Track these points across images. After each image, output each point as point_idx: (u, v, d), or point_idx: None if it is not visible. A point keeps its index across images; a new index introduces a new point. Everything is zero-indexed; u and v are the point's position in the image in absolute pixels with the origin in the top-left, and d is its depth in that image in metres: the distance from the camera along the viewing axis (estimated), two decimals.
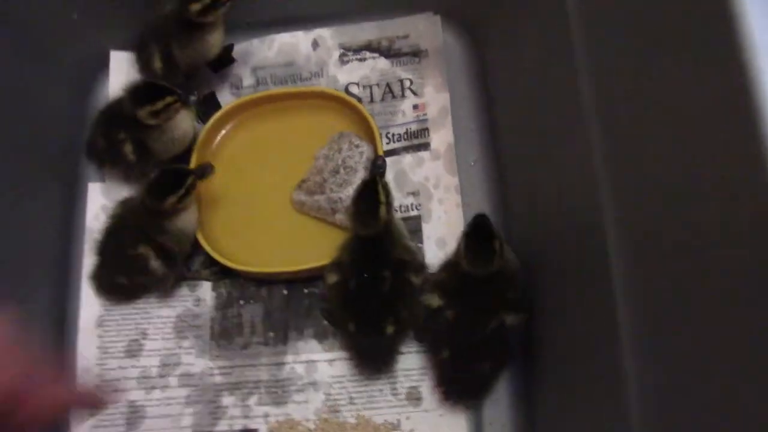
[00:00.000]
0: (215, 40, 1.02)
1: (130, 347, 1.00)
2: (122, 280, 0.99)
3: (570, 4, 0.70)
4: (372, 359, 0.95)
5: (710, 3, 0.48)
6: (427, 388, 0.94)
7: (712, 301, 0.52)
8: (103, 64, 1.12)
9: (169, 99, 0.95)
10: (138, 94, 0.95)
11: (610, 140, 0.66)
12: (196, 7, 0.96)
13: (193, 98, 1.08)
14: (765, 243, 0.45)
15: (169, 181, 0.91)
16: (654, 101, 0.58)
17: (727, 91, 0.47)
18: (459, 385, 0.93)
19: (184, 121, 0.99)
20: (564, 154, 0.80)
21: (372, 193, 0.86)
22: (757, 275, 0.46)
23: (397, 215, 1.01)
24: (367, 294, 0.88)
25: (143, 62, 1.04)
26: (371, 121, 1.00)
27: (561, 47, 0.75)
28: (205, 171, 0.93)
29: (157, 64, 1.01)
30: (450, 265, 0.89)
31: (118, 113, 0.98)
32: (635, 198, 0.63)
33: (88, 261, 1.03)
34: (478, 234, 0.84)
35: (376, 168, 0.89)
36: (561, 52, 0.76)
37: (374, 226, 0.87)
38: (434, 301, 0.88)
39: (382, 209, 0.86)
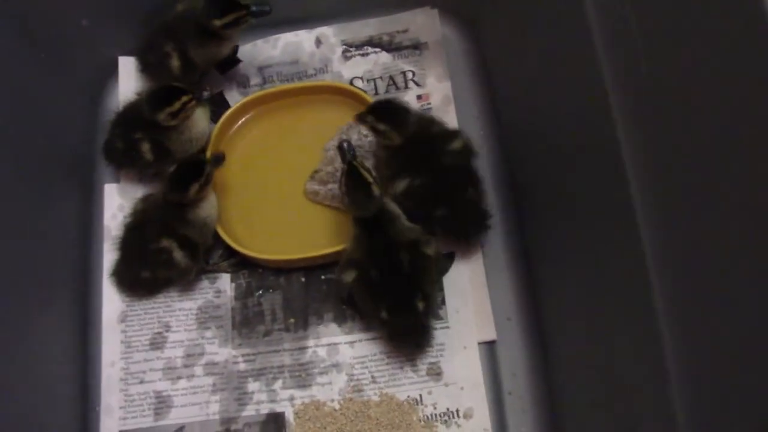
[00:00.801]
0: (229, 47, 1.07)
1: (154, 340, 1.02)
2: (145, 274, 1.01)
3: None
4: (408, 340, 0.98)
5: None
6: (446, 362, 0.97)
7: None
8: (112, 69, 1.16)
9: (184, 98, 0.98)
10: (154, 98, 0.98)
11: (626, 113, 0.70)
12: (218, 23, 1.00)
13: (206, 94, 1.11)
14: None
15: (189, 172, 0.94)
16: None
17: None
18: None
19: (200, 120, 1.02)
20: (574, 125, 0.84)
21: (358, 175, 0.90)
22: None
23: None
24: (392, 279, 0.91)
25: (155, 61, 1.06)
26: None
27: (567, 27, 0.79)
28: (218, 160, 0.97)
29: (175, 62, 1.04)
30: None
31: (136, 114, 1.01)
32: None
33: (108, 259, 1.05)
34: (356, 181, 0.90)
35: (347, 152, 0.92)
36: (567, 32, 0.80)
37: (372, 205, 0.91)
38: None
39: (374, 187, 0.90)
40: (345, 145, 0.92)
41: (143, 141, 1.01)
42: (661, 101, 0.64)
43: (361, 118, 0.96)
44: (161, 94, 0.98)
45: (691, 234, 0.62)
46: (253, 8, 0.99)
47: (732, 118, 0.55)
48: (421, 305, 0.92)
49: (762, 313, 0.53)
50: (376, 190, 0.89)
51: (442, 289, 1.00)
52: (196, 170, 0.94)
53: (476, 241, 1.02)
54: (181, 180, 0.94)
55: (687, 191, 0.62)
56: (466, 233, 1.00)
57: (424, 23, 1.15)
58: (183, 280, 1.04)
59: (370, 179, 0.89)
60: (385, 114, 0.96)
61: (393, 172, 0.98)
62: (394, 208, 0.94)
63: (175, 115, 0.99)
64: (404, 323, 0.95)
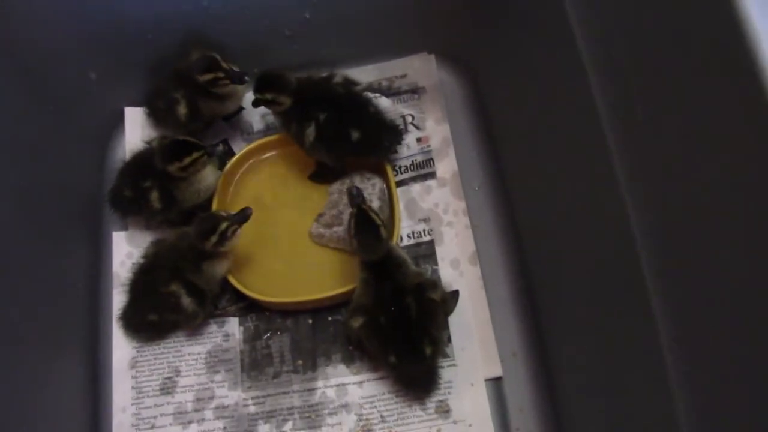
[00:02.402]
0: (234, 101, 1.11)
1: (164, 385, 1.03)
2: (153, 317, 1.03)
3: (578, 32, 0.77)
4: (417, 383, 1.00)
5: (715, 18, 0.55)
6: (454, 400, 0.99)
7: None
8: (119, 120, 1.18)
9: (195, 154, 1.01)
10: (167, 151, 1.01)
11: (622, 151, 0.72)
12: (201, 79, 1.04)
13: (219, 149, 1.13)
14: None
15: (204, 229, 0.96)
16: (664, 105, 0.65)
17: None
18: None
19: (210, 174, 1.05)
20: (569, 168, 0.87)
21: (366, 219, 0.92)
22: None
23: (411, 241, 1.08)
24: (399, 324, 0.93)
25: (164, 107, 1.09)
26: None
27: (563, 72, 0.83)
28: (243, 216, 0.97)
29: (182, 110, 1.07)
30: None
31: (145, 163, 1.04)
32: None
33: (118, 306, 1.07)
34: (365, 225, 0.92)
35: (355, 198, 0.94)
36: (562, 77, 0.83)
37: (381, 248, 0.93)
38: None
39: (382, 230, 0.92)
40: (354, 190, 0.94)
41: (152, 189, 1.03)
42: (656, 141, 0.67)
43: (255, 103, 1.04)
44: (174, 147, 1.01)
45: (693, 265, 0.64)
46: (233, 73, 1.04)
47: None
48: (429, 350, 0.93)
49: None
50: (383, 233, 0.92)
51: (447, 328, 1.02)
52: (210, 227, 0.96)
53: (395, 150, 1.10)
54: (200, 233, 0.96)
55: (679, 214, 0.64)
56: (383, 145, 1.07)
57: (421, 68, 1.18)
58: (190, 325, 1.05)
59: (379, 222, 0.92)
60: (265, 84, 1.03)
61: (298, 126, 1.04)
62: (400, 253, 0.96)
63: (186, 169, 1.01)
64: (413, 368, 0.97)
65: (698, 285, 0.64)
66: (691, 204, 0.63)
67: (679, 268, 0.66)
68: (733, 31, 0.53)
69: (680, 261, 0.65)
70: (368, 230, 0.92)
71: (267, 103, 1.03)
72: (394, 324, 0.92)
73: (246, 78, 1.04)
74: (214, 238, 0.95)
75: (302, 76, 1.07)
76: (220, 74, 1.03)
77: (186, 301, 1.00)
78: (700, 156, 0.61)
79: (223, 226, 0.95)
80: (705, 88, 0.59)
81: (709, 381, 0.64)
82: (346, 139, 1.03)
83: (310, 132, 1.02)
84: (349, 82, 1.07)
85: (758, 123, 0.52)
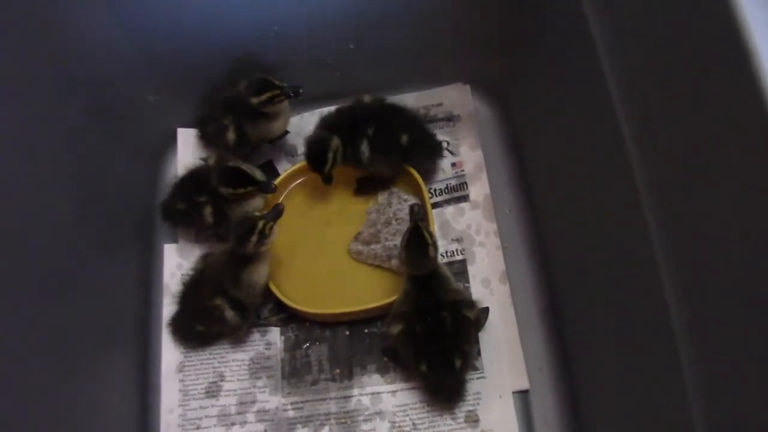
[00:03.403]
0: (281, 125, 1.18)
1: (209, 389, 1.10)
2: (200, 328, 1.10)
3: (605, 64, 0.83)
4: (444, 393, 1.06)
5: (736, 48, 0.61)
6: (482, 410, 1.04)
7: None
8: (172, 140, 1.26)
9: (249, 188, 1.08)
10: (224, 176, 1.07)
11: (648, 172, 0.77)
12: (255, 100, 1.11)
13: (272, 187, 1.15)
14: None
15: (244, 231, 1.02)
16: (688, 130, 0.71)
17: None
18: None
19: (258, 199, 1.12)
20: (595, 192, 0.93)
21: (419, 237, 0.99)
22: None
23: (444, 260, 1.14)
24: (433, 336, 0.99)
25: (214, 131, 1.17)
26: (418, 178, 1.14)
27: (590, 102, 0.89)
28: (277, 212, 1.04)
29: (231, 136, 1.14)
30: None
31: (202, 179, 1.11)
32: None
33: (167, 314, 1.14)
34: (417, 242, 0.99)
35: (415, 215, 1.02)
36: (590, 107, 0.89)
37: (426, 266, 1.00)
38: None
39: (431, 250, 0.99)
40: (415, 207, 1.02)
41: (207, 204, 1.10)
42: (677, 166, 0.71)
43: (327, 180, 1.15)
44: (230, 175, 1.07)
45: (715, 288, 0.67)
46: (287, 89, 1.10)
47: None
48: (458, 363, 0.99)
49: None
50: (432, 253, 0.98)
51: (477, 342, 1.07)
52: (249, 228, 1.01)
53: (439, 152, 1.20)
54: (239, 237, 1.01)
55: (701, 235, 0.68)
56: (430, 144, 1.18)
57: (457, 97, 1.25)
58: (234, 336, 1.12)
59: (430, 242, 0.98)
60: (320, 161, 1.11)
61: (352, 149, 1.12)
62: (445, 271, 1.03)
63: (236, 197, 1.08)
64: (442, 378, 1.02)
65: (719, 307, 0.67)
66: (712, 226, 0.67)
67: (702, 290, 0.69)
68: (752, 57, 0.58)
69: (703, 284, 0.69)
70: (419, 247, 0.99)
71: (333, 167, 1.11)
72: (429, 335, 0.98)
73: (301, 90, 1.10)
74: (254, 238, 1.00)
75: (331, 112, 1.15)
76: (276, 91, 1.09)
77: (230, 314, 1.07)
78: (720, 178, 0.65)
79: (261, 224, 1.01)
80: (722, 116, 0.64)
81: (729, 400, 0.67)
82: (396, 144, 1.11)
83: (364, 148, 1.10)
84: (377, 99, 1.16)
85: None
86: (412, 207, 1.03)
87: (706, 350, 0.70)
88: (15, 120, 0.90)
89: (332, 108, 1.22)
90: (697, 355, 0.71)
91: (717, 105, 0.64)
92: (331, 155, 1.09)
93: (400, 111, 1.16)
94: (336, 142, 1.10)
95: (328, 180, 1.14)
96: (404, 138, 1.12)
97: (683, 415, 0.72)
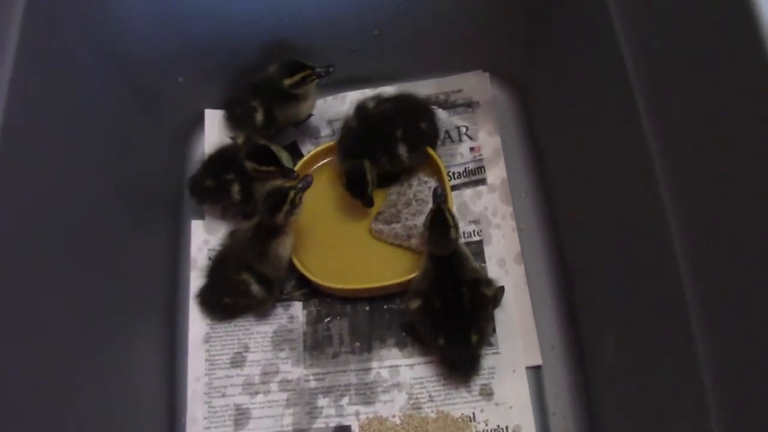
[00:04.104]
0: (307, 107, 1.22)
1: (234, 359, 1.15)
2: (227, 300, 1.15)
3: (626, 55, 0.86)
4: (460, 367, 1.10)
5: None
6: (496, 384, 1.09)
7: None
8: (199, 121, 1.31)
9: (273, 168, 1.12)
10: (252, 153, 1.12)
11: (667, 160, 0.80)
12: (288, 81, 1.15)
13: (293, 175, 1.18)
14: None
15: (275, 202, 1.06)
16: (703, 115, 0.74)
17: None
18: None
19: (278, 183, 1.15)
20: (611, 178, 0.97)
21: (442, 219, 1.04)
22: None
23: (461, 240, 1.18)
24: (451, 311, 1.04)
25: (241, 113, 1.21)
26: (438, 161, 1.18)
27: (610, 90, 0.92)
28: (306, 182, 1.07)
29: (259, 117, 1.19)
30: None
31: (231, 157, 1.16)
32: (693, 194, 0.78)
33: (194, 286, 1.19)
34: (439, 223, 1.04)
35: (438, 197, 1.06)
36: (609, 95, 0.93)
37: (447, 247, 1.05)
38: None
39: (452, 231, 1.03)
40: (438, 190, 1.06)
41: (234, 182, 1.15)
42: (694, 153, 0.75)
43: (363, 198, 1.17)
44: (257, 151, 1.12)
45: (728, 274, 0.70)
46: (318, 69, 1.14)
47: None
48: (475, 338, 1.04)
49: None
50: (453, 234, 1.03)
51: (493, 319, 1.12)
52: (281, 199, 1.05)
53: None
54: (271, 207, 1.06)
55: (717, 221, 0.71)
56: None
57: (476, 85, 1.30)
58: (259, 309, 1.17)
59: (452, 224, 1.03)
60: (361, 188, 1.15)
61: (388, 159, 1.16)
62: (464, 250, 1.08)
63: (258, 172, 1.12)
64: (458, 352, 1.07)
65: (734, 286, 0.69)
66: (727, 207, 0.69)
67: (717, 271, 0.71)
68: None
69: (717, 265, 0.71)
70: (441, 228, 1.03)
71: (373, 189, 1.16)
72: (447, 310, 1.03)
73: (331, 69, 1.14)
74: (286, 207, 1.04)
75: (341, 137, 1.19)
76: (308, 71, 1.14)
77: (255, 288, 1.11)
78: (736, 167, 0.68)
79: (292, 194, 1.05)
80: (740, 109, 0.68)
81: (740, 375, 0.69)
82: (421, 133, 1.17)
83: (403, 151, 1.15)
84: (378, 101, 1.20)
85: None
86: (435, 189, 1.07)
87: (719, 328, 0.72)
88: (64, 100, 0.94)
89: (357, 92, 1.27)
90: (709, 332, 0.73)
91: (730, 96, 0.67)
92: (369, 177, 1.13)
93: (407, 102, 1.20)
94: (368, 164, 1.13)
95: (370, 203, 1.16)
96: (424, 125, 1.17)
97: (694, 391, 0.74)
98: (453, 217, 1.05)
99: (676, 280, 0.77)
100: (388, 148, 1.15)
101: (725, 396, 0.70)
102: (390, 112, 1.17)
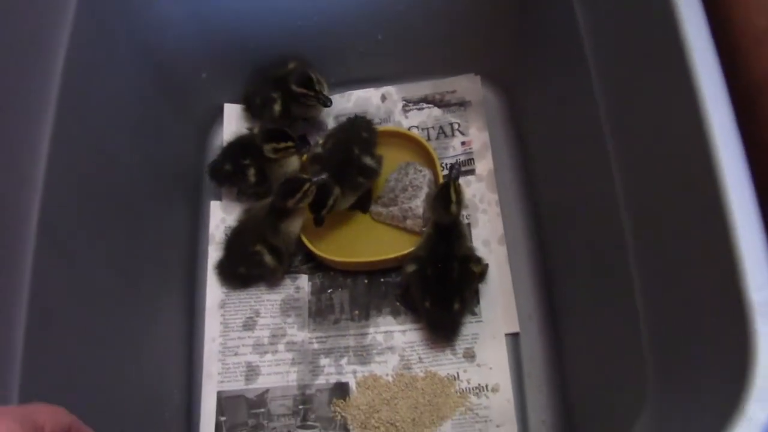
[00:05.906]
0: (318, 111, 1.37)
1: (246, 323, 1.29)
2: (242, 270, 1.28)
3: (590, 62, 1.00)
4: (441, 329, 1.24)
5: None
6: (479, 348, 1.23)
7: None
8: (219, 113, 1.45)
9: (289, 143, 1.25)
10: (267, 133, 1.26)
11: (620, 159, 0.92)
12: (296, 90, 1.28)
13: (305, 149, 1.34)
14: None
15: (291, 188, 1.20)
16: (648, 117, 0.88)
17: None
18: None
19: (294, 161, 1.30)
20: (580, 171, 1.10)
21: (447, 191, 1.18)
22: None
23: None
24: (440, 279, 1.17)
25: (260, 103, 1.34)
26: (433, 153, 1.32)
27: (578, 94, 1.05)
28: (322, 182, 1.21)
29: (277, 108, 1.32)
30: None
31: (247, 144, 1.30)
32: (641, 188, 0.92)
33: (212, 258, 1.33)
34: (443, 194, 1.18)
35: (453, 173, 1.21)
36: (578, 98, 1.06)
37: (446, 218, 1.19)
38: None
39: (453, 206, 1.17)
40: (455, 167, 1.24)
41: (250, 167, 1.29)
42: (643, 153, 0.87)
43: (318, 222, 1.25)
44: (273, 132, 1.25)
45: (668, 256, 0.82)
46: (320, 96, 1.27)
47: None
48: (456, 306, 1.17)
49: None
50: (453, 209, 1.17)
51: (478, 293, 1.25)
52: (296, 187, 1.19)
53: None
54: (285, 192, 1.19)
55: (660, 211, 0.85)
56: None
57: (468, 86, 1.44)
58: (271, 279, 1.30)
59: (453, 200, 1.17)
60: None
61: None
62: (463, 229, 1.22)
63: (278, 151, 1.26)
64: (441, 316, 1.20)
65: (665, 270, 0.81)
66: (661, 210, 0.81)
67: (652, 255, 0.84)
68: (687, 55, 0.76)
69: (654, 251, 0.83)
70: (443, 199, 1.17)
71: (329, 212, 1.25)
72: (438, 278, 1.16)
73: (329, 103, 1.28)
74: (298, 195, 1.17)
75: (323, 151, 1.30)
76: (311, 94, 1.26)
77: (268, 258, 1.25)
78: (671, 159, 0.79)
79: (307, 186, 1.18)
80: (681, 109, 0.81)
81: (668, 325, 0.81)
82: (366, 140, 1.31)
83: (369, 161, 1.28)
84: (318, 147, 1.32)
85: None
86: (452, 166, 1.22)
87: (654, 297, 0.85)
88: (106, 88, 1.09)
89: (361, 90, 1.41)
90: (648, 301, 0.86)
91: (665, 97, 0.80)
92: (330, 203, 1.21)
93: (346, 126, 1.33)
94: (337, 191, 1.22)
95: (319, 223, 1.23)
96: (365, 134, 1.31)
97: (635, 342, 0.87)
98: (459, 193, 1.18)
99: (624, 261, 0.89)
100: (358, 166, 1.26)
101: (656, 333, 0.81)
102: (340, 140, 1.29)
